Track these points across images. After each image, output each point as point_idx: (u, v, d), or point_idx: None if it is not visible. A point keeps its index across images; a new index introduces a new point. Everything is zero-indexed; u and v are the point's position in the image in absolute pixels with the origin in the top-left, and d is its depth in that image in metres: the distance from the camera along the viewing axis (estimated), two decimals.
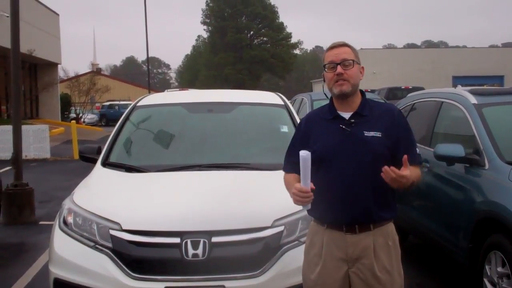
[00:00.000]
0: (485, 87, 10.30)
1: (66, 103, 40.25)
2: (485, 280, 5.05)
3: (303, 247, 4.04)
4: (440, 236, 6.01)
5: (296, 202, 3.18)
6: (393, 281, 3.34)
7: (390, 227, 3.40)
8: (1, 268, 7.06)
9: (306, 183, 3.11)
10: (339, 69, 3.29)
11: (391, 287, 3.33)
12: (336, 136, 3.32)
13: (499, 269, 4.84)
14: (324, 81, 3.44)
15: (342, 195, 3.25)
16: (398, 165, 3.18)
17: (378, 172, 3.16)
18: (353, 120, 3.33)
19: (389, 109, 3.43)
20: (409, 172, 3.12)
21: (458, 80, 48.29)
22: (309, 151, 3.21)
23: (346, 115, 3.35)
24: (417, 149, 3.42)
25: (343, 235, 3.31)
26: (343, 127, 3.32)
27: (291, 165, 3.49)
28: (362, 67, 3.41)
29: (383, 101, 13.58)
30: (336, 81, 3.31)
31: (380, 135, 3.28)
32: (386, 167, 3.09)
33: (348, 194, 3.25)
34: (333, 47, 3.37)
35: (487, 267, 5.03)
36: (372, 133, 3.28)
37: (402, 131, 3.35)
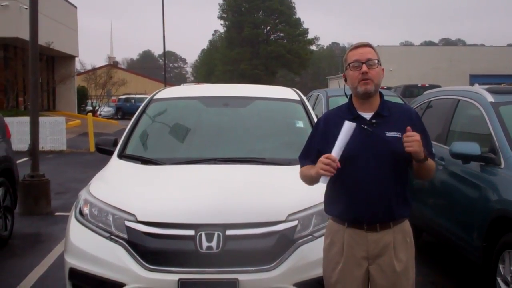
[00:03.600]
0: (502, 85, 10.23)
1: (82, 96, 40.41)
2: (499, 279, 5.03)
3: (316, 241, 4.11)
4: (454, 234, 5.99)
5: (321, 170, 3.18)
6: (409, 275, 3.42)
7: (407, 224, 3.47)
8: (17, 257, 7.14)
9: (337, 153, 3.16)
10: (364, 68, 3.31)
11: (407, 281, 3.41)
12: (358, 136, 3.32)
13: None
14: (346, 80, 3.46)
15: (364, 194, 3.30)
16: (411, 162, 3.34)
17: (399, 171, 3.30)
18: (374, 121, 3.36)
19: (407, 110, 3.50)
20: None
21: (475, 79, 47.85)
22: (329, 151, 3.25)
23: (367, 116, 3.38)
24: (432, 149, 3.48)
25: (364, 233, 3.36)
26: (365, 127, 3.34)
27: (309, 163, 3.49)
28: (383, 68, 3.43)
29: (402, 101, 13.59)
30: (360, 80, 3.33)
31: (400, 136, 3.30)
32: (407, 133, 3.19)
33: (370, 193, 3.29)
34: (357, 46, 3.41)
35: (500, 266, 5.01)
36: (392, 134, 3.32)
37: (420, 132, 3.37)
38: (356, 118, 3.36)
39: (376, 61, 3.35)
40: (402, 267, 3.37)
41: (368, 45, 3.40)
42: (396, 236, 3.37)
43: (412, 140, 3.16)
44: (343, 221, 3.40)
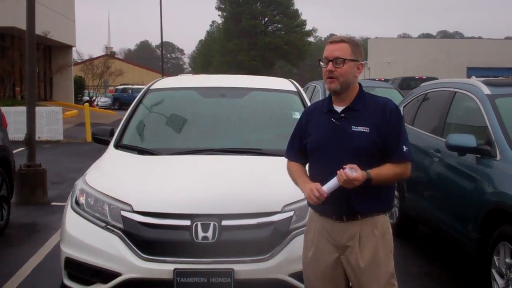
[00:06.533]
0: (500, 78, 10.24)
1: (79, 86, 40.33)
2: (493, 271, 5.06)
3: None
4: (450, 226, 6.01)
5: (309, 199, 3.31)
6: (377, 272, 3.38)
7: (382, 219, 3.43)
8: (13, 247, 7.14)
9: (328, 188, 3.24)
10: (330, 66, 3.36)
11: (375, 277, 3.37)
12: (326, 129, 3.41)
13: (508, 260, 4.85)
14: None
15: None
16: (385, 160, 3.33)
17: (364, 166, 3.24)
18: (343, 115, 3.39)
19: (383, 105, 3.42)
20: (358, 174, 3.15)
21: (472, 71, 47.87)
22: (304, 142, 3.46)
23: (339, 109, 3.41)
24: (405, 146, 3.37)
25: (333, 222, 3.41)
26: (334, 120, 3.39)
27: (293, 154, 3.63)
28: (361, 64, 3.42)
29: (400, 93, 13.56)
30: (327, 77, 3.38)
31: (368, 130, 3.32)
32: (340, 170, 3.17)
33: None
34: (331, 42, 3.43)
35: (495, 258, 5.04)
36: (359, 128, 3.33)
37: (392, 127, 3.35)
38: (329, 111, 3.43)
39: (343, 60, 3.34)
40: (370, 263, 3.35)
41: (341, 41, 3.40)
42: (363, 228, 3.37)
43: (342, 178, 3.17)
44: (316, 211, 3.49)
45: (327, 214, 3.44)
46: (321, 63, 3.42)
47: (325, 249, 3.44)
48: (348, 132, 3.34)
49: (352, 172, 3.14)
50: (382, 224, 3.43)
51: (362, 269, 3.35)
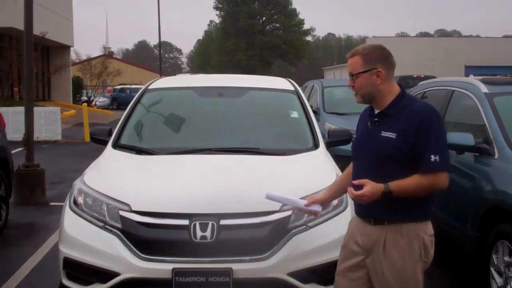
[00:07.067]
0: (497, 77, 10.24)
1: (78, 86, 40.32)
2: (492, 269, 5.06)
3: (310, 231, 4.17)
4: (448, 224, 6.02)
5: None
6: (400, 281, 3.29)
7: (409, 227, 3.29)
8: (12, 247, 7.14)
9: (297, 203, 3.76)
10: (349, 82, 3.42)
11: (398, 286, 3.29)
12: (362, 133, 3.46)
13: (506, 258, 4.85)
14: None
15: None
16: (415, 168, 3.18)
17: (388, 172, 3.21)
18: (376, 119, 3.37)
19: (417, 111, 3.25)
20: (366, 190, 3.14)
21: (470, 70, 47.91)
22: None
23: (376, 113, 3.42)
24: (433, 155, 3.16)
25: (364, 223, 3.41)
26: (369, 124, 3.41)
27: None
28: (379, 70, 3.32)
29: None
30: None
31: (394, 136, 3.22)
32: (348, 187, 3.25)
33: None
34: (348, 57, 3.45)
35: (494, 256, 5.04)
36: (387, 134, 3.26)
37: (420, 135, 3.18)
38: (370, 115, 3.44)
39: (353, 75, 3.37)
40: (394, 272, 3.27)
41: (351, 56, 3.41)
42: (389, 235, 3.29)
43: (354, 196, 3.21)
44: (354, 210, 3.54)
45: (360, 215, 3.45)
46: None
47: (352, 249, 3.44)
48: (377, 137, 3.30)
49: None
50: (409, 233, 3.27)
51: (385, 276, 3.30)
